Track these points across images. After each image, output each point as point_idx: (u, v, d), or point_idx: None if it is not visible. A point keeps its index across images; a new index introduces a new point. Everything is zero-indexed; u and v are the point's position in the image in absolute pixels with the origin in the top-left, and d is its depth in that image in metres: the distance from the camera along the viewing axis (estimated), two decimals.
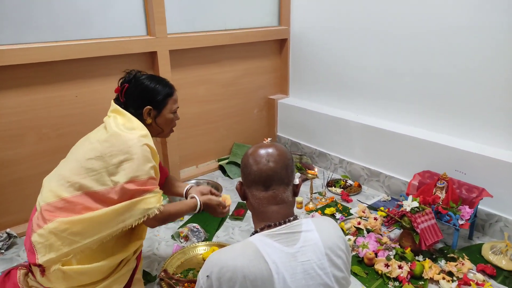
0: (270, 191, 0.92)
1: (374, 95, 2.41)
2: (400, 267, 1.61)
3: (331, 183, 2.46)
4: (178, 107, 1.53)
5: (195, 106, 2.58)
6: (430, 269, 1.61)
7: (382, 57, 2.30)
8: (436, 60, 2.05)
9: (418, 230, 1.66)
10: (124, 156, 1.30)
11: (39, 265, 1.25)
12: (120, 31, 2.12)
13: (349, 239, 1.83)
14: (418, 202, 1.73)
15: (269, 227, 0.90)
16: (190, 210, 1.49)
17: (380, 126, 2.32)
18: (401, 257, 1.69)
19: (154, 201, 1.32)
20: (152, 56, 2.27)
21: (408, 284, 1.53)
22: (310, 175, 2.19)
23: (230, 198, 1.63)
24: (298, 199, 2.21)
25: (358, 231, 1.92)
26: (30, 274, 1.37)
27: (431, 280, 1.60)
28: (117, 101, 1.47)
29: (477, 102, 1.94)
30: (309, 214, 2.12)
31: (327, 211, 2.12)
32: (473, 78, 1.93)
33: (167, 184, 1.72)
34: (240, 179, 1.02)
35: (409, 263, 1.65)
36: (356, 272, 1.65)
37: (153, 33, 2.21)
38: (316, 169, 2.27)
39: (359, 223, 1.95)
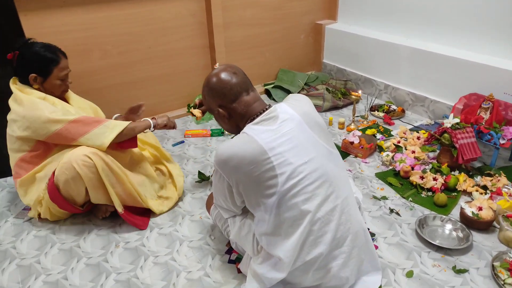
0: (251, 93, 1.12)
1: (423, 18, 2.33)
2: (434, 179, 1.69)
3: (374, 108, 2.49)
4: (68, 71, 1.55)
5: (241, 29, 2.63)
6: (464, 182, 1.67)
7: None
8: None
9: (457, 145, 1.70)
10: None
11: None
12: None
13: (388, 155, 1.92)
14: (459, 119, 1.75)
15: (252, 119, 1.10)
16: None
17: (428, 49, 2.27)
18: (437, 171, 1.76)
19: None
20: None
21: (441, 193, 1.62)
22: (353, 97, 2.24)
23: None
24: (340, 119, 2.30)
25: (397, 149, 2.00)
26: None
27: (464, 192, 1.67)
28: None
29: None
30: (349, 133, 2.21)
31: (368, 131, 2.18)
32: None
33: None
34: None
35: (444, 176, 1.72)
36: (391, 182, 1.75)
37: None
38: (359, 91, 2.31)
39: (398, 142, 2.02)
